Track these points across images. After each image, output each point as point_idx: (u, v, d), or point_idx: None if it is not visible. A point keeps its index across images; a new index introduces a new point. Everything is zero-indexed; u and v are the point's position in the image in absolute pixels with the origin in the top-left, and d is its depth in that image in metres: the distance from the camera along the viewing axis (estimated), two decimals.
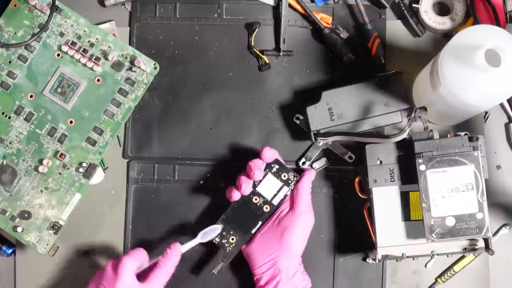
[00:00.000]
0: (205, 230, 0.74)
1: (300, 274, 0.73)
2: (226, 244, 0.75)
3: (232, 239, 0.75)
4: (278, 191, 0.76)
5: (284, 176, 0.76)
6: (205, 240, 0.74)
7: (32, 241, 0.78)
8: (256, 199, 0.76)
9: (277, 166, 0.76)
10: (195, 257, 0.80)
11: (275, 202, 0.76)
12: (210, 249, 0.78)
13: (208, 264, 0.78)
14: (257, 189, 0.76)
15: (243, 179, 0.74)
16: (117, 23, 0.83)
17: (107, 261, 0.72)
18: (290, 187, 0.76)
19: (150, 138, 0.82)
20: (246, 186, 0.74)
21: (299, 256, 0.74)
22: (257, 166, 0.74)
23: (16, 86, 0.79)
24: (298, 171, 0.78)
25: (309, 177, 0.77)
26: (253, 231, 0.76)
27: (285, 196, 0.76)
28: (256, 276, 0.74)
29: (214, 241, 0.75)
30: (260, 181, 0.76)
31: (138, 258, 0.71)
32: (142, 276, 0.71)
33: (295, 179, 0.76)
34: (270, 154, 0.75)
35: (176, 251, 0.71)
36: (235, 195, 0.75)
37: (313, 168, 0.80)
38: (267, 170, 0.76)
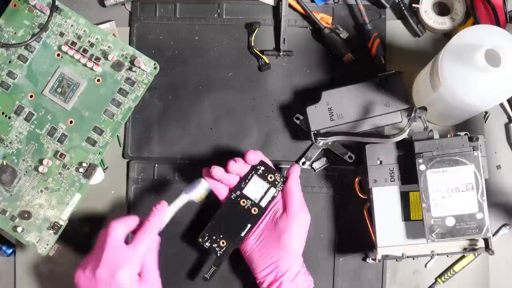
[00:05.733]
0: (187, 187, 0.73)
1: (302, 275, 0.73)
2: (216, 249, 0.75)
3: (223, 243, 0.75)
4: (265, 193, 0.75)
5: (271, 177, 0.75)
6: (192, 196, 0.73)
7: (32, 241, 0.78)
8: (243, 202, 0.75)
9: (262, 168, 0.75)
10: (190, 261, 0.80)
11: (263, 204, 0.75)
12: (204, 254, 0.79)
13: (201, 269, 0.79)
14: (244, 191, 0.75)
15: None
16: (117, 23, 0.83)
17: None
18: (277, 188, 0.75)
19: (150, 138, 0.82)
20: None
21: (300, 256, 0.74)
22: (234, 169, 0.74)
23: (16, 86, 0.79)
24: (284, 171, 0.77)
25: (295, 174, 0.75)
26: (243, 234, 0.75)
27: (273, 197, 0.75)
28: (258, 280, 0.74)
29: (205, 245, 0.75)
30: (247, 183, 0.75)
31: (128, 223, 0.71)
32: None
33: (281, 179, 0.75)
34: (254, 157, 0.75)
35: (162, 208, 0.71)
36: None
37: (313, 168, 0.81)
38: (253, 172, 0.75)
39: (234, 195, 0.75)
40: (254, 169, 0.75)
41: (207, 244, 0.75)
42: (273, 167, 0.76)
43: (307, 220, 0.74)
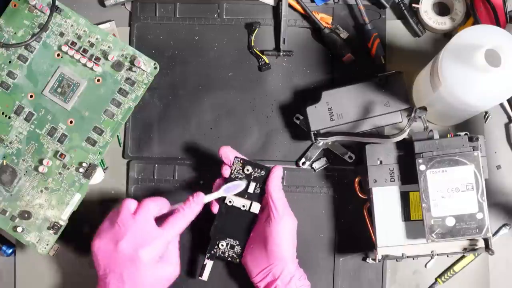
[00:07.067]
0: (228, 185, 0.73)
1: (297, 279, 0.72)
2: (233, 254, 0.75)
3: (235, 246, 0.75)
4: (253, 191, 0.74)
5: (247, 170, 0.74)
6: (229, 193, 0.73)
7: (32, 241, 0.78)
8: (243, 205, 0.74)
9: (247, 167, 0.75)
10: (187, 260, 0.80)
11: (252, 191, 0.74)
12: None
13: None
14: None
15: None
16: (117, 23, 0.83)
17: (123, 200, 0.71)
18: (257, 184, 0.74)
19: (150, 138, 0.82)
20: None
21: (293, 259, 0.73)
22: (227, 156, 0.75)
23: (16, 86, 0.79)
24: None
25: (275, 177, 0.73)
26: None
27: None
28: (254, 284, 0.74)
29: (228, 257, 0.75)
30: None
31: (160, 206, 0.71)
32: (161, 220, 0.71)
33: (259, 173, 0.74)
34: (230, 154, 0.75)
35: (199, 200, 0.71)
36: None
37: (313, 168, 0.80)
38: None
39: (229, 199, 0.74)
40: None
41: (224, 252, 0.75)
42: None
43: (292, 224, 0.73)
